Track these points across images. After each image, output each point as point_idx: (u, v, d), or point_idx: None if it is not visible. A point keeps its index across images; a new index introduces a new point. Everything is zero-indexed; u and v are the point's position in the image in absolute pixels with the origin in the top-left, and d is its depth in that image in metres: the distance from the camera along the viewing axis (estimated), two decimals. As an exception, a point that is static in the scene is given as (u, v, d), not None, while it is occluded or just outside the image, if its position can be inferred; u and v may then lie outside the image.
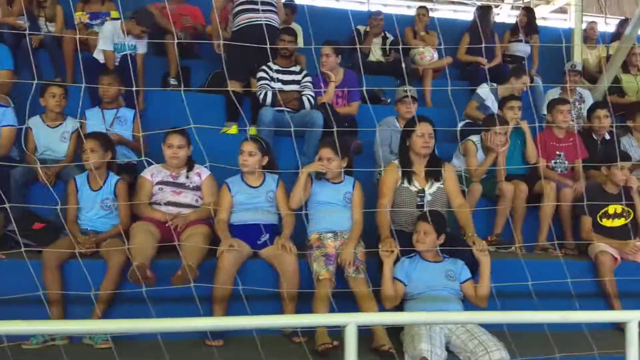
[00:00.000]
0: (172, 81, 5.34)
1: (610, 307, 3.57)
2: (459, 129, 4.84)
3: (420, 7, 6.83)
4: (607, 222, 3.91)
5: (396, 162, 3.56)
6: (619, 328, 3.57)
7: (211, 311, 3.08)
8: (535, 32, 7.03)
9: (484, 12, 6.86)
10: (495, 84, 5.12)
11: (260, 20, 4.57)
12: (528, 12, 7.20)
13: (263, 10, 4.64)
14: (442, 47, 6.28)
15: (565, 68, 5.76)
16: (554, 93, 5.56)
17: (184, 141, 3.58)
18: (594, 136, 4.64)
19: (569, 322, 2.15)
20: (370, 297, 3.07)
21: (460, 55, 6.78)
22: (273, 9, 4.91)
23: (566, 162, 4.46)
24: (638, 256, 3.73)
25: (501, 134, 4.10)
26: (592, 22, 7.22)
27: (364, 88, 4.49)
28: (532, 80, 6.51)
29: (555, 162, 4.46)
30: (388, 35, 6.55)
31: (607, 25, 7.88)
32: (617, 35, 7.14)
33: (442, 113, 5.41)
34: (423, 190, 3.48)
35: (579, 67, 5.59)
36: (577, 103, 5.50)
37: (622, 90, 6.29)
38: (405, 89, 4.39)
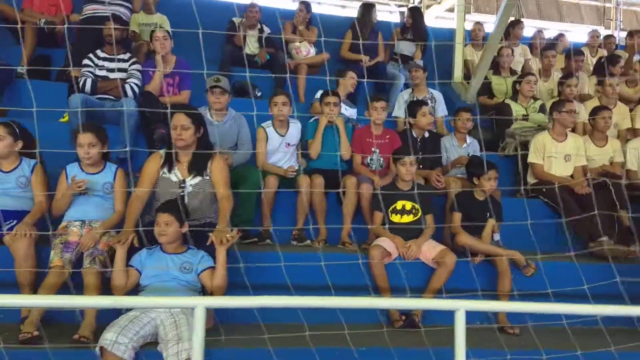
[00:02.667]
0: (19, 69, 5.29)
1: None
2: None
3: (301, 3, 6.79)
4: (395, 218, 3.85)
5: (162, 151, 3.50)
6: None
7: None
8: (423, 32, 7.03)
9: (367, 9, 6.86)
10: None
11: (103, 13, 4.57)
12: (414, 12, 7.19)
13: (108, 3, 4.65)
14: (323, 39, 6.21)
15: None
16: (406, 94, 5.55)
17: None
18: (414, 134, 4.60)
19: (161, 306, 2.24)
20: (94, 290, 2.98)
21: (343, 52, 6.77)
22: (121, 2, 4.87)
23: (381, 159, 4.43)
24: (412, 257, 3.67)
25: None
26: (477, 23, 7.21)
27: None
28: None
29: (371, 159, 4.43)
30: (265, 28, 6.50)
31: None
32: (505, 36, 7.13)
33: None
34: (184, 181, 3.42)
35: (420, 63, 5.73)
36: (429, 102, 5.47)
37: (491, 91, 6.30)
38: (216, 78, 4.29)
